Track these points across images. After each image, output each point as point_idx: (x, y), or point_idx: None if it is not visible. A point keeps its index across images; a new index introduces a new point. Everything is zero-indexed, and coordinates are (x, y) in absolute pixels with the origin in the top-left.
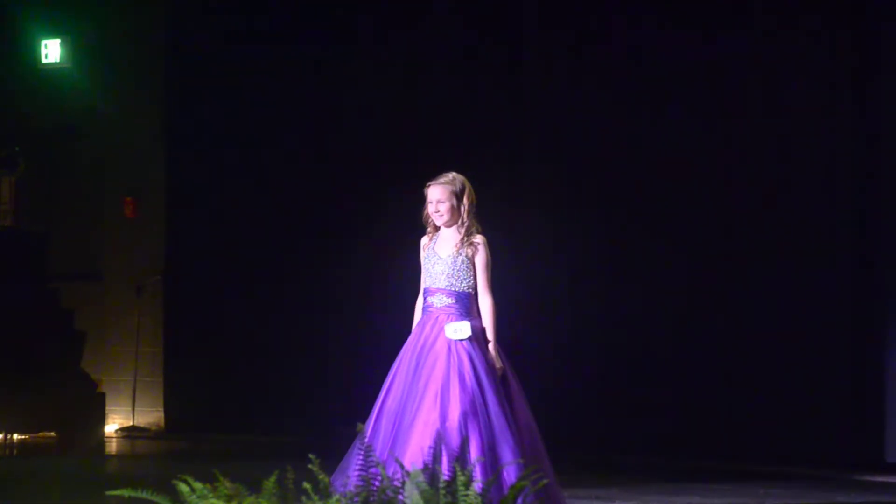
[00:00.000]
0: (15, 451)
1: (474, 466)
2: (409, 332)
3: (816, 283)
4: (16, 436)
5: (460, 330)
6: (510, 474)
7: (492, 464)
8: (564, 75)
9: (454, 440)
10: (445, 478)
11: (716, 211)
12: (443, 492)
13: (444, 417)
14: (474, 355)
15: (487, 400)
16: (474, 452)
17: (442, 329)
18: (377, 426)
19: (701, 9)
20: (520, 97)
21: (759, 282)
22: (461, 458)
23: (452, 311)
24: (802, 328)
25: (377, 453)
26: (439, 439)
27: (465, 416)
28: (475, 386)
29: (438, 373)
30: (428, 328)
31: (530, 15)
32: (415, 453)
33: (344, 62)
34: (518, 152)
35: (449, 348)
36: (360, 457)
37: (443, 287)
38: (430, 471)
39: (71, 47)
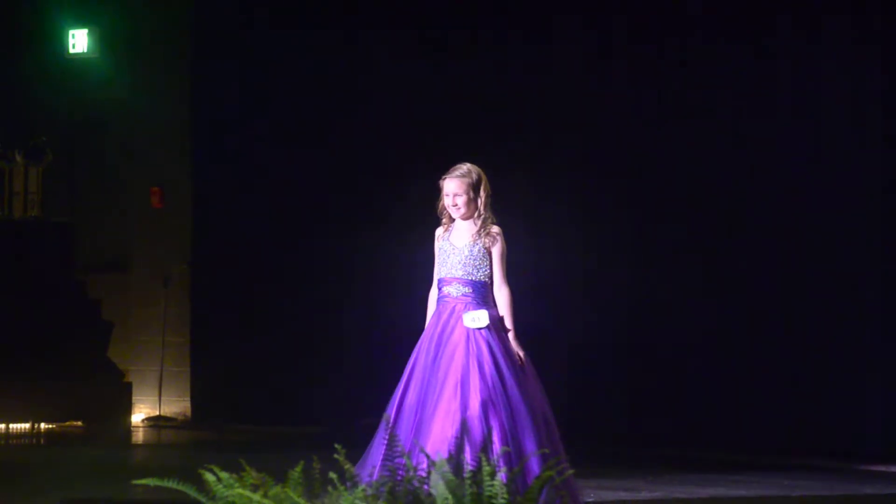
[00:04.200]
0: (42, 441)
1: (499, 457)
2: (424, 322)
3: (842, 277)
4: (43, 425)
5: (478, 318)
6: (532, 465)
7: (514, 452)
8: (592, 64)
9: (476, 429)
10: (469, 467)
11: (742, 203)
12: (468, 482)
13: (465, 407)
14: (493, 344)
15: (508, 388)
16: (497, 442)
17: (459, 318)
18: (399, 418)
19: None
20: (544, 84)
21: (783, 274)
22: (485, 447)
23: (469, 300)
24: (826, 320)
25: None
26: (462, 429)
27: (485, 405)
28: (495, 374)
29: (458, 362)
30: (445, 317)
31: (556, 3)
32: (437, 443)
33: (368, 53)
34: (541, 142)
35: (467, 337)
36: (385, 447)
37: (459, 276)
38: (455, 460)
39: (98, 37)
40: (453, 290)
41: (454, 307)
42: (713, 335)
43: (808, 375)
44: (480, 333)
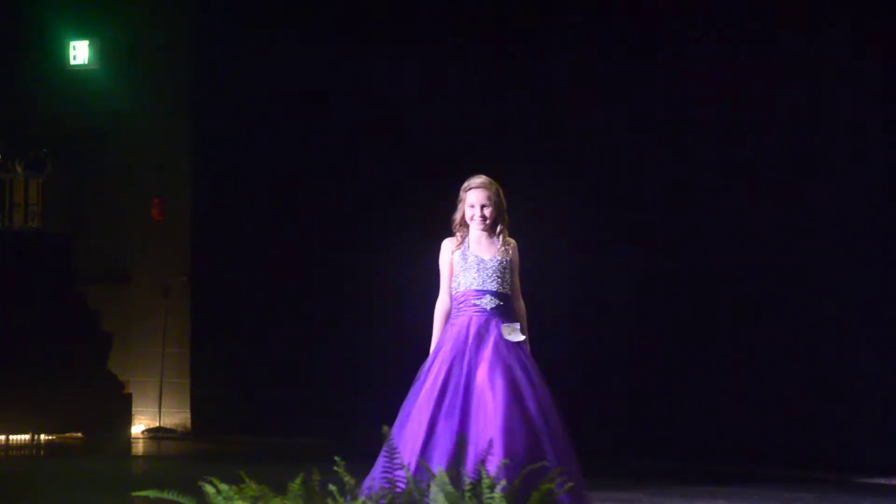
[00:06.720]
0: (42, 452)
1: (500, 469)
2: (431, 333)
3: (841, 290)
4: (43, 436)
5: (516, 331)
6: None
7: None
8: (599, 90)
9: (519, 444)
10: (490, 478)
11: (741, 225)
12: (468, 494)
13: (516, 420)
14: (524, 357)
15: (543, 406)
16: (548, 460)
17: (494, 330)
18: (435, 429)
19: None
20: (549, 110)
21: (782, 291)
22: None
23: (501, 311)
24: (824, 333)
25: (426, 456)
26: (507, 443)
27: (530, 420)
28: (538, 391)
29: (507, 374)
30: (482, 329)
31: (562, 23)
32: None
33: (374, 68)
34: (544, 164)
35: (508, 349)
36: (385, 459)
37: (493, 289)
38: (456, 474)
39: (99, 49)
40: (488, 302)
41: (487, 319)
42: (713, 348)
43: (807, 388)
44: (521, 346)
